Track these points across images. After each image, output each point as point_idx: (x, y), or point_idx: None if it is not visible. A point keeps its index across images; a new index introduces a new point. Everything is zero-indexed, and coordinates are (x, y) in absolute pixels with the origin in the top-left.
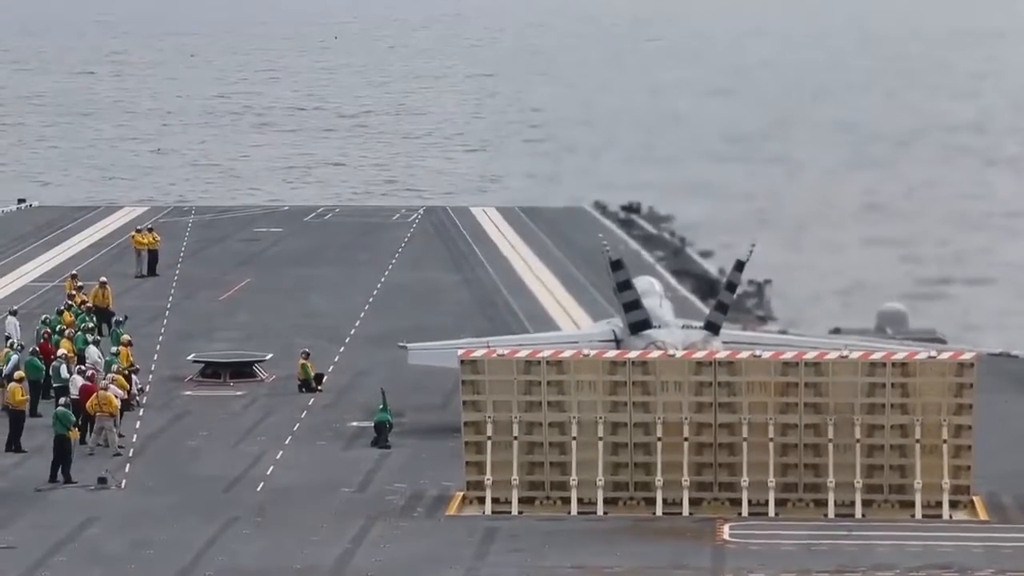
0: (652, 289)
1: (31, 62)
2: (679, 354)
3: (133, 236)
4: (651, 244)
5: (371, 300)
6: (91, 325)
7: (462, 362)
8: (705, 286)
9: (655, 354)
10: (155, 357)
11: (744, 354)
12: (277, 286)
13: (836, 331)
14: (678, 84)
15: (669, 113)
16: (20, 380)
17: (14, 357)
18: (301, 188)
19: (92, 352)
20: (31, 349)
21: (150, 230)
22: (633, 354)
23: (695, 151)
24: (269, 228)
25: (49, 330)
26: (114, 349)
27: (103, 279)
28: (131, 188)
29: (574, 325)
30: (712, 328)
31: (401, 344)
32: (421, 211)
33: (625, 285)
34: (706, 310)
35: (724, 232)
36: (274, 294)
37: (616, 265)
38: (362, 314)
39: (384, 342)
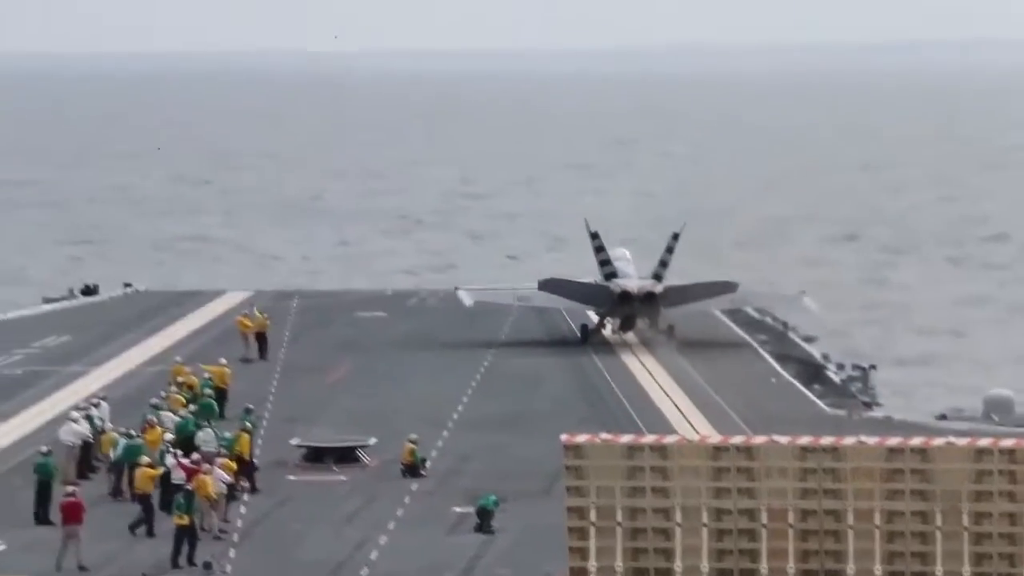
0: (623, 256)
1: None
2: (783, 440)
3: (239, 320)
4: (753, 328)
5: (473, 384)
6: (192, 408)
7: (565, 447)
8: (810, 371)
9: (759, 440)
10: (259, 442)
11: (849, 440)
12: (380, 370)
13: (942, 417)
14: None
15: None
16: (150, 466)
17: (122, 442)
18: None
19: (206, 436)
20: (135, 433)
21: (261, 312)
22: (737, 439)
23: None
24: (372, 313)
25: (154, 418)
26: (228, 434)
27: (223, 360)
28: (234, 273)
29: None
30: (657, 278)
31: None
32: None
33: (600, 249)
34: (810, 395)
35: (829, 318)
36: (377, 378)
37: (594, 236)
38: (464, 399)
39: (487, 427)
